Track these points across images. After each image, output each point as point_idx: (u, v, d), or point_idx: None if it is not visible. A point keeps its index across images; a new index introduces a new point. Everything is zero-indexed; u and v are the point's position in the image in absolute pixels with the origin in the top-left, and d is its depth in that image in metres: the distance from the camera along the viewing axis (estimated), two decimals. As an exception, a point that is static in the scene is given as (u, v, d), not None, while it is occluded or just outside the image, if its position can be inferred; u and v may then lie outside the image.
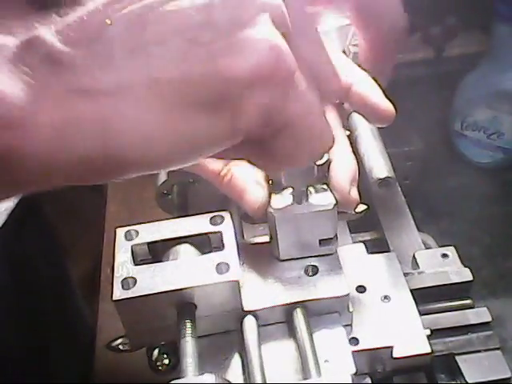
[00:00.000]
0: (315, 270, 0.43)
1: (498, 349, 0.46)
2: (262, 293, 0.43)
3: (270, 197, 0.42)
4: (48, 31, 0.30)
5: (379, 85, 0.42)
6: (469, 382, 0.44)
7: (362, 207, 0.45)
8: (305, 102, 0.32)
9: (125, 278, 0.39)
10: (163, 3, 0.30)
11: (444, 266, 0.51)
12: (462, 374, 0.44)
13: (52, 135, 0.28)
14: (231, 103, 0.30)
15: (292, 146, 0.33)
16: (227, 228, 0.43)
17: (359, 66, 0.44)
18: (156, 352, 0.45)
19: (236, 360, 0.41)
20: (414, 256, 0.52)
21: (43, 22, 0.30)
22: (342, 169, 0.43)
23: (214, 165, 0.45)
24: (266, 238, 0.46)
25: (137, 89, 0.29)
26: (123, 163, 0.30)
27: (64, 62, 0.29)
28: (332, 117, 0.45)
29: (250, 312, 0.42)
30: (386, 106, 0.41)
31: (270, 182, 0.43)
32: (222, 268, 0.40)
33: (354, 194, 0.43)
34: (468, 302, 0.49)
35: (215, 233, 0.43)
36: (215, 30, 0.30)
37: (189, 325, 0.39)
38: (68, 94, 0.29)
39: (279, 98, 0.31)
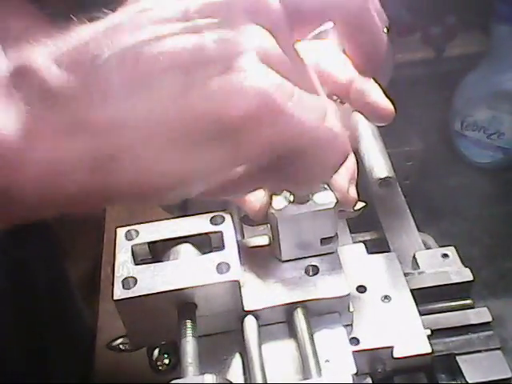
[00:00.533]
0: (315, 270, 0.43)
1: (498, 349, 0.46)
2: (262, 293, 0.43)
3: (270, 198, 0.42)
4: (41, 59, 0.29)
5: (378, 84, 0.42)
6: (469, 382, 0.44)
7: (360, 204, 0.45)
8: (300, 123, 0.31)
9: (125, 278, 0.39)
10: (156, 40, 0.30)
11: (444, 266, 0.51)
12: (462, 374, 0.44)
13: (48, 171, 0.29)
14: (229, 139, 0.30)
15: (310, 167, 0.34)
16: (228, 228, 0.43)
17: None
18: (156, 352, 0.45)
19: (236, 360, 0.41)
20: (414, 256, 0.52)
21: (35, 43, 0.30)
22: (341, 168, 0.43)
23: None
24: (266, 238, 0.46)
25: (134, 125, 0.29)
26: (121, 197, 0.31)
27: (59, 95, 0.29)
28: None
29: (250, 312, 0.41)
30: (386, 104, 0.41)
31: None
32: (222, 268, 0.40)
33: (353, 192, 0.43)
34: (468, 302, 0.49)
35: (215, 232, 0.43)
36: (207, 67, 0.29)
37: (189, 325, 0.39)
38: (62, 128, 0.29)
39: (277, 134, 0.30)
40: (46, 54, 0.29)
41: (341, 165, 0.35)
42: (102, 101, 0.29)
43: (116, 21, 0.31)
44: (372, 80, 0.40)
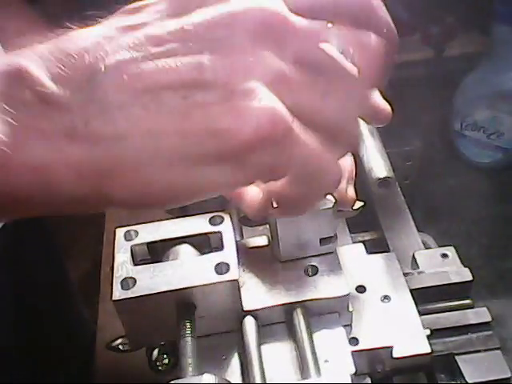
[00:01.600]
0: (315, 270, 0.43)
1: (497, 349, 0.46)
2: (261, 293, 0.43)
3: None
4: (35, 64, 0.29)
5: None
6: (469, 381, 0.44)
7: (358, 204, 0.45)
8: (305, 148, 0.31)
9: (124, 279, 0.39)
10: (156, 55, 0.29)
11: (444, 266, 0.51)
12: (461, 373, 0.44)
13: (39, 174, 0.29)
14: (230, 161, 0.30)
15: (301, 187, 0.34)
16: (227, 228, 0.43)
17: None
18: (156, 352, 0.45)
19: (236, 360, 0.41)
20: (413, 256, 0.52)
21: (32, 48, 0.30)
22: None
23: None
24: (265, 239, 0.46)
25: (134, 139, 0.29)
26: (114, 203, 0.31)
27: (53, 102, 0.29)
28: None
29: (249, 312, 0.42)
30: (383, 105, 0.40)
31: None
32: (221, 268, 0.40)
33: (351, 192, 0.43)
34: (468, 301, 0.49)
35: (215, 233, 0.43)
36: (208, 89, 0.29)
37: (188, 325, 0.39)
38: (57, 135, 0.29)
39: (279, 155, 0.31)
40: (41, 61, 0.29)
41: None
42: (99, 113, 0.29)
43: (113, 33, 0.30)
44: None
